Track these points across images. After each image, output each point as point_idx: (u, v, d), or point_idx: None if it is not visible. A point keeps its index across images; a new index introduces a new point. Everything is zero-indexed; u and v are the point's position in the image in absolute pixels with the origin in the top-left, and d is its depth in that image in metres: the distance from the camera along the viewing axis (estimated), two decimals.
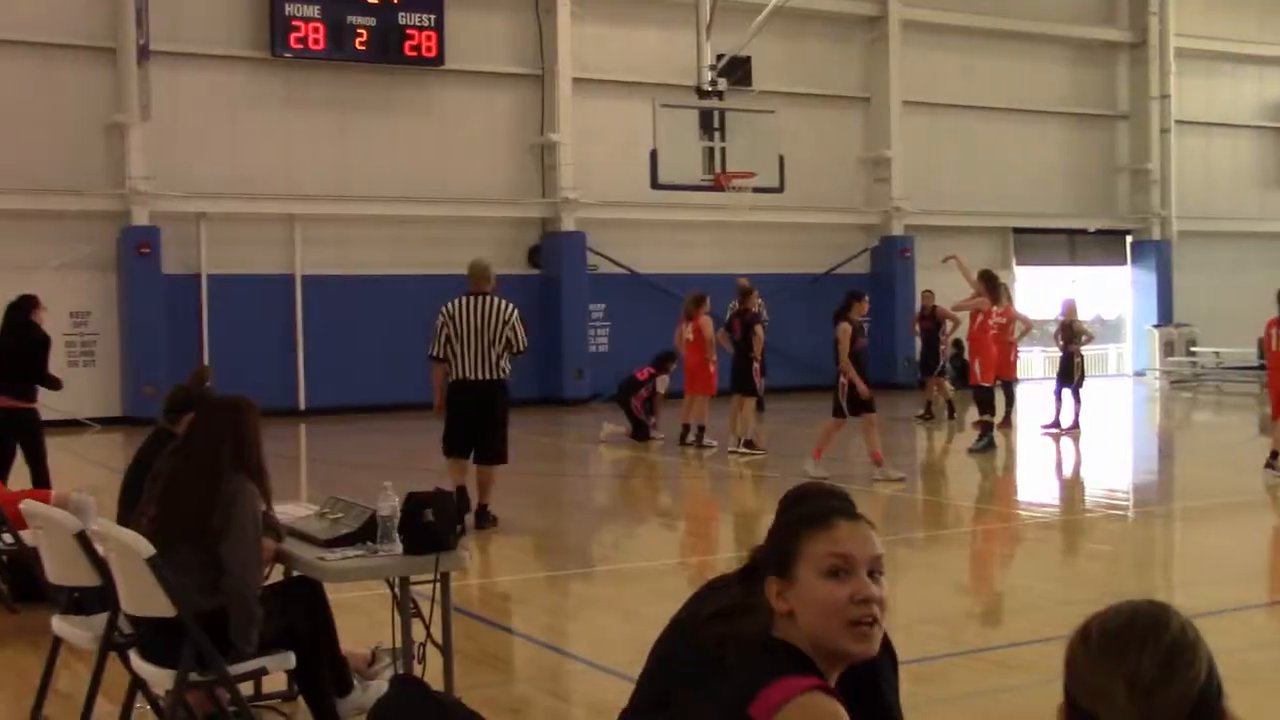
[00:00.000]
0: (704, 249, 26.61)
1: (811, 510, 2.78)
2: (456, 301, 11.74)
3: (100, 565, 5.52)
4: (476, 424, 11.66)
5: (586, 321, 25.78)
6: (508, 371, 11.74)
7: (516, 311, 11.71)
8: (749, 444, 17.42)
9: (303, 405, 23.58)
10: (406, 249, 24.41)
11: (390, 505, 5.70)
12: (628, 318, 25.75)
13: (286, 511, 6.34)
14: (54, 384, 12.21)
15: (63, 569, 5.82)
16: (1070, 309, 20.36)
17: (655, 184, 19.58)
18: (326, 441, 20.22)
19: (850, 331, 14.56)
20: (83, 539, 5.58)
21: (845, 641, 2.55)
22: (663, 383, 19.52)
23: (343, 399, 23.59)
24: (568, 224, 25.44)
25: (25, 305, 12.32)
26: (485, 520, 11.81)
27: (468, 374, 11.58)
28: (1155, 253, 31.75)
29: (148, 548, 5.15)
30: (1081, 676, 2.05)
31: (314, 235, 23.86)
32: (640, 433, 19.22)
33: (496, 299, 11.70)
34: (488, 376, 11.59)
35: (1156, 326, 31.20)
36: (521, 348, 11.70)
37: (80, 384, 21.82)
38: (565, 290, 25.36)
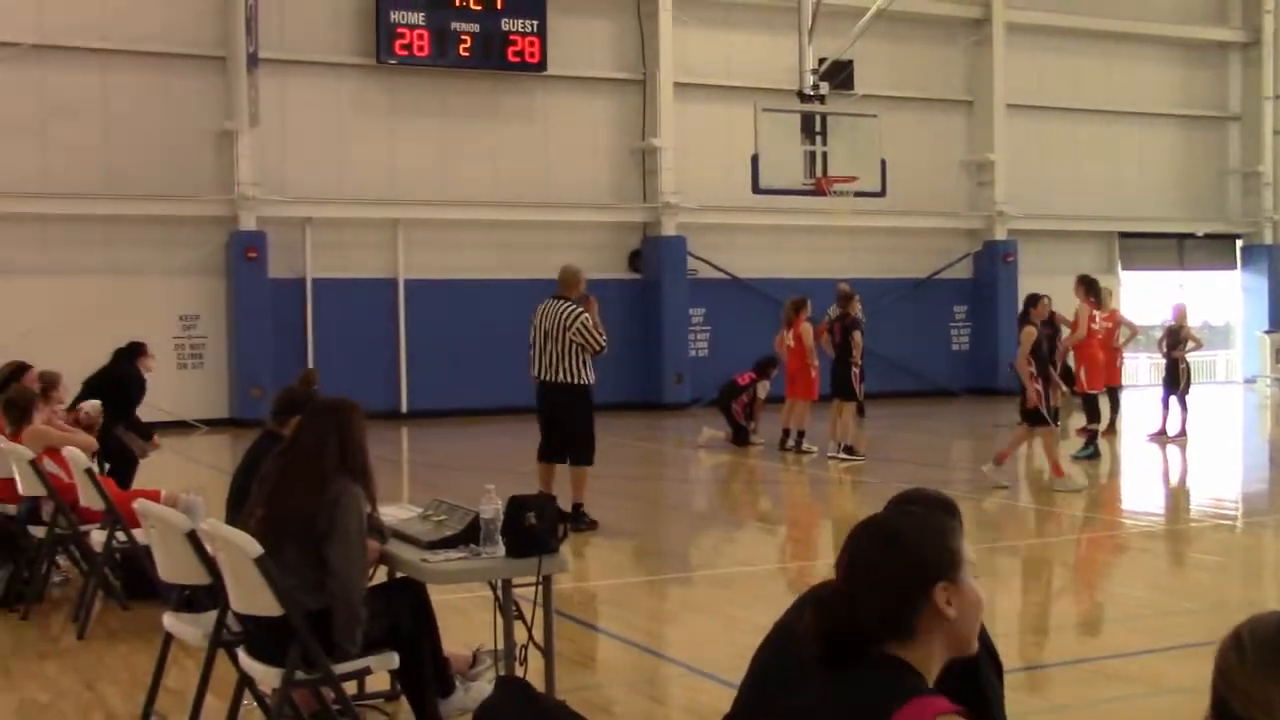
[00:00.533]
0: (804, 253, 26.49)
1: (951, 512, 2.82)
2: (541, 305, 12.06)
3: (210, 564, 5.59)
4: (554, 426, 11.98)
5: (686, 326, 25.75)
6: (585, 375, 11.88)
7: (581, 315, 11.81)
8: (849, 449, 17.38)
9: (405, 408, 23.71)
10: (508, 253, 24.52)
11: (493, 508, 5.70)
12: (727, 322, 25.72)
13: (390, 513, 6.36)
14: (141, 431, 12.54)
15: (174, 567, 5.88)
16: (1180, 314, 20.02)
17: (756, 188, 19.54)
18: (428, 444, 20.32)
19: (1034, 335, 14.44)
20: (193, 538, 5.65)
21: (974, 638, 2.58)
22: (763, 388, 19.44)
23: (444, 402, 23.69)
24: (668, 228, 25.48)
25: (133, 352, 12.62)
26: (576, 520, 11.80)
27: (543, 376, 11.91)
28: (1267, 257, 31.30)
29: (256, 547, 5.20)
30: (1239, 686, 2.08)
31: (417, 239, 24.02)
32: (740, 437, 19.18)
33: (565, 304, 11.88)
34: (558, 379, 11.82)
35: (1267, 332, 30.78)
36: (596, 349, 11.80)
37: (188, 386, 22.39)
38: (665, 295, 25.35)
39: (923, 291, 27.66)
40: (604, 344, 11.88)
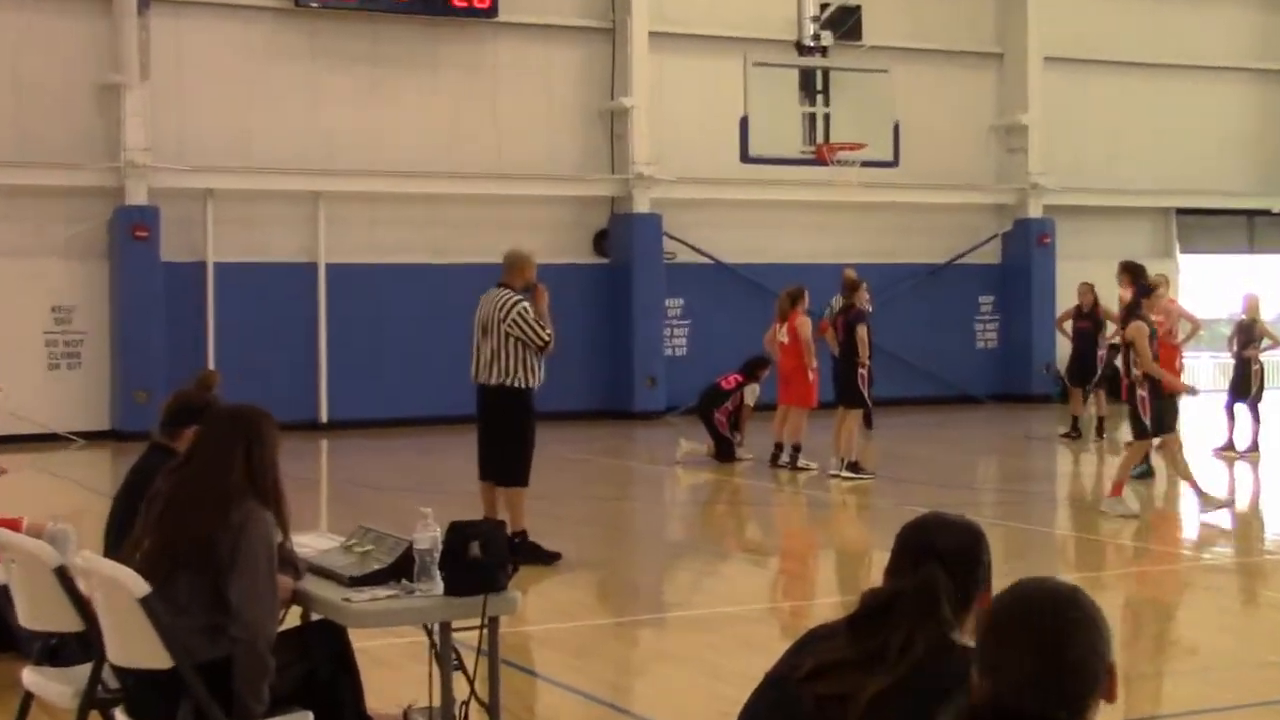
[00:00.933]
0: (802, 234, 26.52)
1: (979, 540, 3.45)
2: (484, 295, 12.20)
3: (82, 606, 5.54)
4: (485, 436, 12.15)
5: (662, 320, 25.71)
6: (523, 376, 11.92)
7: (518, 304, 11.84)
8: (854, 466, 17.39)
9: (325, 417, 23.76)
10: (450, 234, 24.53)
11: (430, 537, 5.75)
12: (711, 315, 25.73)
13: (306, 543, 6.38)
14: None
15: (37, 611, 5.85)
16: (1252, 306, 20.16)
17: (746, 157, 19.57)
18: (353, 460, 20.42)
19: (1146, 332, 14.40)
20: (62, 575, 5.60)
21: None
22: (752, 393, 19.46)
23: (373, 410, 23.78)
24: (640, 204, 25.52)
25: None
26: (525, 553, 11.69)
27: (479, 378, 12.07)
28: None
29: (142, 585, 5.16)
30: None
31: (342, 216, 24.03)
32: (725, 452, 19.21)
33: (505, 292, 11.96)
34: (492, 380, 11.95)
35: None
36: (539, 344, 11.85)
37: (62, 391, 22.31)
38: (637, 283, 25.29)
39: (943, 279, 27.74)
40: (548, 338, 11.90)
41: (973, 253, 28.16)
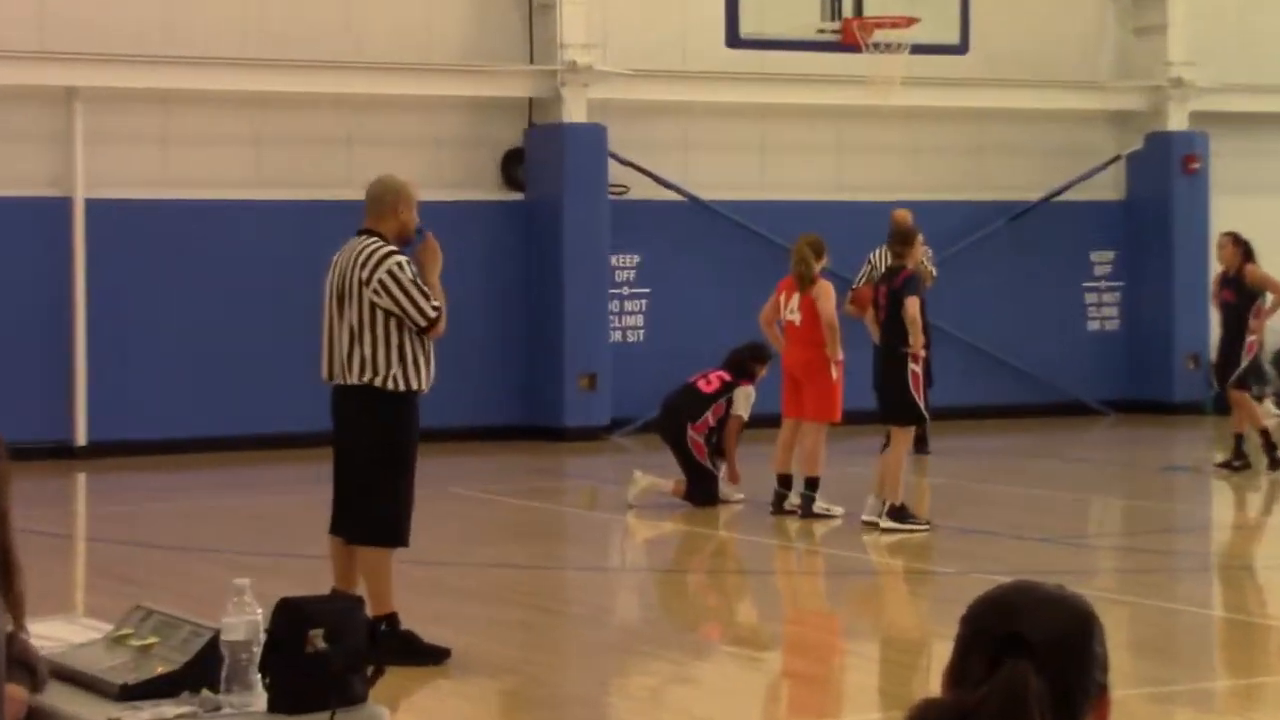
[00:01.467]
0: (819, 158, 26.60)
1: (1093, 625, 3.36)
2: (340, 252, 12.24)
3: None
4: (341, 466, 12.19)
5: (606, 286, 25.77)
6: (397, 372, 11.89)
7: (391, 258, 11.85)
8: (899, 512, 17.30)
9: (83, 438, 23.76)
10: (280, 155, 24.58)
11: (247, 623, 5.75)
12: (681, 280, 25.88)
13: (51, 634, 6.34)
14: None
15: None
16: None
17: (734, 40, 19.91)
18: (127, 503, 20.31)
19: None
20: None
21: None
22: (745, 400, 19.33)
23: (154, 429, 23.79)
24: (574, 110, 25.55)
25: None
26: (383, 645, 11.43)
27: (330, 375, 12.13)
28: None
29: None
30: None
31: (108, 128, 23.92)
32: (702, 490, 19.15)
33: (371, 243, 11.99)
34: (350, 378, 11.95)
35: None
36: (421, 322, 11.84)
37: None
38: (569, 230, 25.27)
39: (1036, 225, 27.90)
40: (434, 313, 11.83)
41: (1081, 185, 28.26)
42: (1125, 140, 28.94)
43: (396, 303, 11.67)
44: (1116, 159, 28.84)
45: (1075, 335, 28.42)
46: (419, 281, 11.75)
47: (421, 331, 11.79)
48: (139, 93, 24.13)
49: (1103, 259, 28.68)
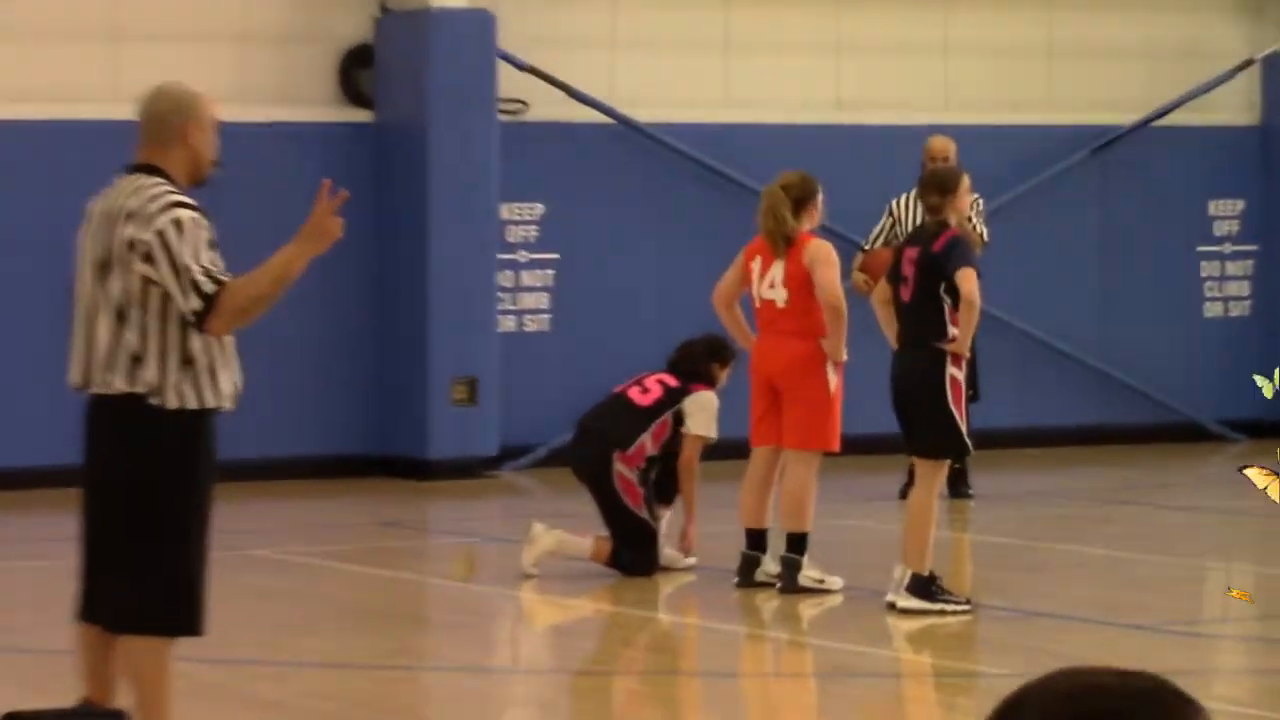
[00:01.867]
0: (810, 62, 24.84)
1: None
2: (99, 197, 11.65)
3: None
4: (94, 520, 11.55)
5: (494, 249, 23.64)
6: (186, 383, 11.15)
7: (176, 207, 11.00)
8: (924, 585, 15.82)
9: None
10: (21, 54, 22.40)
11: None
12: (602, 239, 24.14)
13: None
14: None
15: None
16: None
17: None
18: None
19: None
20: None
21: None
22: (703, 410, 17.59)
23: None
24: None
25: None
26: None
27: (84, 379, 11.43)
28: None
29: None
30: None
31: None
32: (633, 550, 17.46)
33: (146, 183, 11.21)
34: (116, 386, 11.23)
35: None
36: (179, 300, 10.95)
37: None
38: (436, 165, 23.19)
39: (1129, 161, 25.83)
40: (211, 289, 10.99)
41: (1196, 103, 26.01)
42: (1257, 41, 26.62)
43: (163, 275, 11.24)
44: (1248, 63, 26.53)
45: (1187, 325, 26.38)
46: (213, 246, 11.09)
47: (194, 324, 11.04)
48: None
49: (1227, 211, 26.59)
